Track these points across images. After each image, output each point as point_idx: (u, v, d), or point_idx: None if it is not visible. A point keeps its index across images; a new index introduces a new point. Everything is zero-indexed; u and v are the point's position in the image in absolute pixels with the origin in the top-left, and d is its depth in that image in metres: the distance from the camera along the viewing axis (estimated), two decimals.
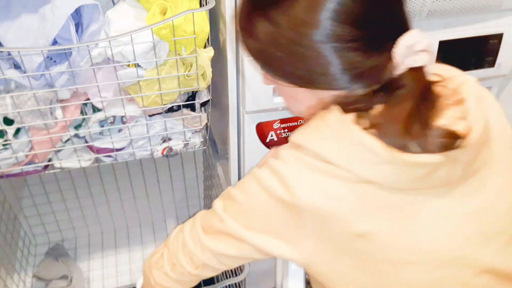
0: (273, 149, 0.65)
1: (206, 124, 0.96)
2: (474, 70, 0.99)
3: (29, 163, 0.89)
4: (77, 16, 0.79)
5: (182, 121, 0.93)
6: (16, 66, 0.79)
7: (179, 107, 0.91)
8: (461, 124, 0.57)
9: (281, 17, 0.56)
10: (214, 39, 0.91)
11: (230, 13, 0.80)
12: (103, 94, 0.82)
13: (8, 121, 0.82)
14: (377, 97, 0.57)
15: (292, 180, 0.58)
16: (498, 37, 0.96)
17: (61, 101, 0.84)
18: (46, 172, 0.93)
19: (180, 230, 0.72)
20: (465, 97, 0.60)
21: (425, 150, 0.54)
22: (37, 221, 1.34)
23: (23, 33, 0.75)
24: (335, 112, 0.58)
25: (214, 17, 0.90)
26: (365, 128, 0.55)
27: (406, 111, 0.55)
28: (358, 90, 0.58)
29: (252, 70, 0.84)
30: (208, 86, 0.89)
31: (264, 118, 0.95)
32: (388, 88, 0.57)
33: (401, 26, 0.57)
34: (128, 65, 0.81)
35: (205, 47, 0.85)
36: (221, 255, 0.66)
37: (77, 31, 0.77)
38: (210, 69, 0.84)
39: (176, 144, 0.96)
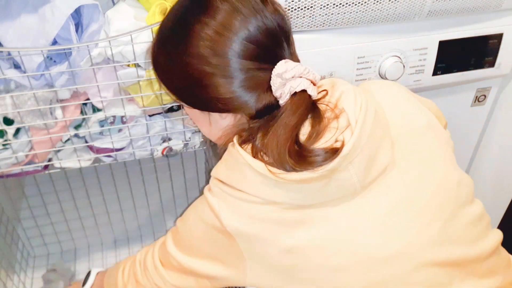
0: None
1: None
2: (474, 70, 0.99)
3: (29, 163, 0.89)
4: (77, 16, 0.79)
5: (182, 121, 0.93)
6: (16, 66, 0.79)
7: (179, 107, 0.91)
8: (347, 132, 0.59)
9: (161, 37, 0.66)
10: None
11: None
12: (103, 94, 0.82)
13: (8, 121, 0.82)
14: (262, 126, 0.61)
15: (218, 209, 0.63)
16: (498, 37, 0.96)
17: (61, 101, 0.84)
18: (46, 172, 0.93)
19: (145, 268, 0.77)
20: (344, 106, 0.61)
21: (307, 168, 0.57)
22: (36, 233, 1.32)
23: (23, 33, 0.75)
24: (235, 144, 0.62)
25: None
26: (256, 156, 0.60)
27: (283, 137, 0.58)
28: (252, 122, 0.63)
29: None
30: None
31: None
32: (273, 115, 0.61)
33: (274, 61, 0.60)
34: (128, 65, 0.81)
35: None
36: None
37: (77, 31, 0.77)
38: None
39: (176, 144, 0.96)
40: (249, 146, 0.62)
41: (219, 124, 0.67)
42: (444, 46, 0.93)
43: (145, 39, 0.77)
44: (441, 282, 0.62)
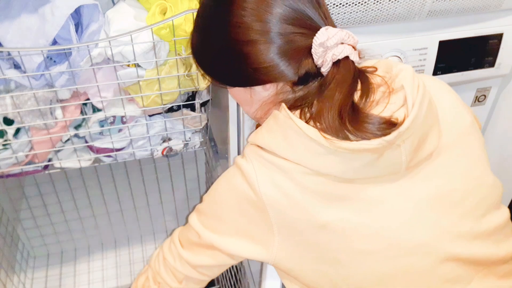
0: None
1: (206, 124, 0.96)
2: (474, 70, 0.99)
3: (29, 163, 0.89)
4: (77, 16, 0.79)
5: (182, 121, 0.93)
6: (16, 66, 0.79)
7: (179, 107, 0.91)
8: (401, 110, 0.59)
9: (201, 21, 0.66)
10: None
11: None
12: (103, 94, 0.82)
13: (8, 121, 0.82)
14: (313, 94, 0.61)
15: (254, 176, 0.61)
16: (498, 37, 0.96)
17: (61, 101, 0.84)
18: (46, 172, 0.93)
19: (160, 249, 0.77)
20: (403, 84, 0.61)
21: (362, 137, 0.56)
22: (36, 233, 1.32)
23: (23, 33, 0.75)
24: (283, 110, 0.61)
25: None
26: (307, 122, 0.59)
27: (337, 103, 0.57)
28: (295, 89, 0.62)
29: None
30: (208, 86, 0.89)
31: None
32: (321, 84, 0.60)
33: (314, 28, 0.60)
34: (128, 65, 0.81)
35: None
36: (199, 266, 0.71)
37: (77, 31, 0.77)
38: None
39: (176, 144, 0.96)
40: (296, 112, 0.61)
41: (261, 96, 0.66)
42: (444, 46, 0.93)
43: (145, 39, 0.77)
44: (462, 278, 0.62)
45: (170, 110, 0.92)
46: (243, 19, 0.60)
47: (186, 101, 0.91)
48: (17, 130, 0.84)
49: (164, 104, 0.87)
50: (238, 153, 1.03)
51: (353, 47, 0.61)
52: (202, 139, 0.97)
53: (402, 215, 0.61)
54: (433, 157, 0.63)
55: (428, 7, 0.87)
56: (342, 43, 0.59)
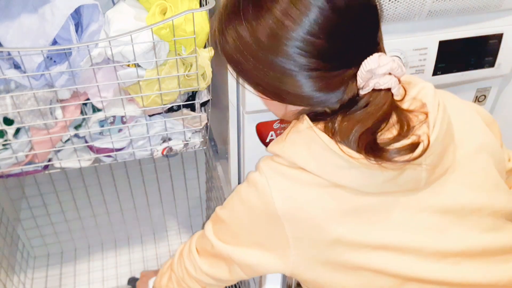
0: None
1: (206, 124, 0.96)
2: (474, 70, 0.99)
3: (29, 163, 0.89)
4: (77, 16, 0.79)
5: (182, 121, 0.93)
6: (16, 66, 0.79)
7: (179, 107, 0.91)
8: (423, 128, 0.59)
9: (246, 32, 0.58)
10: (214, 39, 0.90)
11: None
12: (103, 94, 0.82)
13: (8, 121, 0.82)
14: (343, 111, 0.60)
15: (269, 190, 0.61)
16: (498, 37, 0.96)
17: (61, 101, 0.84)
18: (46, 172, 0.93)
19: (180, 255, 0.78)
20: (425, 102, 0.62)
21: (380, 161, 0.56)
22: (36, 233, 1.33)
23: (23, 33, 0.75)
24: (305, 122, 0.61)
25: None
26: (332, 136, 0.59)
27: (366, 130, 0.57)
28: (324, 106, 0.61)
29: None
30: (208, 86, 0.89)
31: (264, 118, 0.95)
32: (353, 104, 0.59)
33: (367, 51, 0.58)
34: (128, 65, 0.81)
35: (205, 47, 0.85)
36: (217, 279, 0.72)
37: (76, 31, 0.77)
38: (210, 69, 0.84)
39: (176, 144, 0.95)
40: (319, 125, 0.60)
41: (295, 108, 0.65)
42: (444, 46, 0.93)
43: (145, 39, 0.77)
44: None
45: (170, 110, 0.92)
46: (287, 49, 0.56)
47: (186, 101, 0.91)
48: (17, 130, 0.84)
49: (164, 104, 0.87)
50: (238, 153, 1.03)
51: (399, 80, 0.59)
52: (202, 139, 0.97)
53: (416, 229, 0.61)
54: (448, 172, 0.63)
55: (428, 7, 0.87)
56: (390, 74, 0.58)
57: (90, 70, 0.79)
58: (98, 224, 1.37)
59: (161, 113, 0.92)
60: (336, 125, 0.59)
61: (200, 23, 0.79)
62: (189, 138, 0.96)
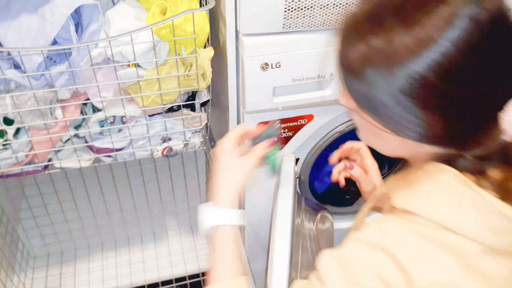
0: (374, 221, 0.56)
1: (206, 124, 0.96)
2: None
3: (29, 163, 0.89)
4: (77, 16, 0.79)
5: (182, 121, 0.93)
6: (16, 66, 0.79)
7: (179, 107, 0.91)
8: None
9: (376, 53, 0.48)
10: (214, 39, 0.90)
11: (230, 13, 0.80)
12: (103, 94, 0.82)
13: (8, 121, 0.82)
14: (490, 161, 0.51)
15: (403, 256, 0.50)
16: None
17: (61, 101, 0.84)
18: (46, 172, 0.93)
19: None
20: None
21: None
22: (36, 233, 1.33)
23: (23, 33, 0.75)
24: (451, 173, 0.51)
25: (214, 17, 0.90)
26: (502, 197, 0.49)
27: None
28: (467, 151, 0.52)
29: (252, 70, 0.84)
30: (208, 86, 0.89)
31: (264, 118, 0.95)
32: (504, 152, 0.51)
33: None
34: (128, 65, 0.81)
35: (205, 47, 0.85)
36: None
37: (76, 31, 0.77)
38: (210, 69, 0.84)
39: (176, 144, 0.95)
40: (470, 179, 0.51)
41: (414, 148, 0.54)
42: None
43: (145, 39, 0.77)
44: None
45: (170, 110, 0.92)
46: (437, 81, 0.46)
47: (186, 101, 0.91)
48: (17, 130, 0.84)
49: (164, 104, 0.87)
50: None
51: None
52: (202, 139, 0.97)
53: None
54: None
55: None
56: None
57: (90, 70, 0.79)
58: (98, 224, 1.37)
59: (161, 113, 0.92)
60: (494, 179, 0.50)
61: (200, 23, 0.79)
62: (189, 138, 0.96)
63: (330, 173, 0.89)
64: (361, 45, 0.48)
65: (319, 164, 1.11)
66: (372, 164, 0.85)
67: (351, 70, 0.50)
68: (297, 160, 1.04)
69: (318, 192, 1.20)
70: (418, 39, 0.45)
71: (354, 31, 0.50)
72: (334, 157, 0.87)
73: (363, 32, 0.49)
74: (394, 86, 0.47)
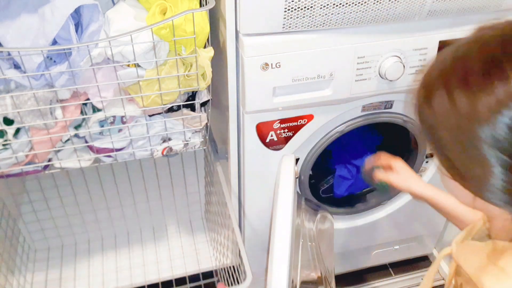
0: None
1: (206, 124, 0.96)
2: None
3: (29, 163, 0.89)
4: (77, 16, 0.79)
5: (182, 121, 0.93)
6: (16, 66, 0.79)
7: (179, 107, 0.91)
8: None
9: (461, 99, 0.48)
10: (214, 39, 0.91)
11: (230, 13, 0.80)
12: (103, 94, 0.82)
13: (8, 121, 0.82)
14: None
15: None
16: None
17: (61, 101, 0.84)
18: (46, 172, 0.93)
19: None
20: None
21: None
22: (37, 227, 1.33)
23: (23, 33, 0.75)
24: None
25: (214, 17, 0.90)
26: None
27: None
28: None
29: (252, 70, 0.84)
30: (208, 86, 0.89)
31: (264, 118, 0.95)
32: None
33: None
34: (128, 65, 0.81)
35: (205, 47, 0.85)
36: None
37: (76, 31, 0.77)
38: (210, 69, 0.84)
39: (176, 144, 0.95)
40: None
41: (490, 208, 0.53)
42: (444, 46, 0.93)
43: (145, 39, 0.77)
44: None
45: (170, 110, 0.92)
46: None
47: (186, 101, 0.91)
48: (17, 130, 0.84)
49: (164, 104, 0.87)
50: (238, 153, 1.03)
51: None
52: (202, 139, 0.97)
53: None
54: None
55: (428, 7, 0.87)
56: None
57: (90, 70, 0.79)
58: (98, 218, 1.38)
59: (161, 113, 0.92)
60: None
61: (200, 23, 0.79)
62: (189, 138, 0.96)
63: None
64: (443, 99, 0.50)
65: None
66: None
67: (433, 119, 0.52)
68: (297, 160, 1.04)
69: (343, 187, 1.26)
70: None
71: (437, 84, 0.52)
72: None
73: (447, 86, 0.50)
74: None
